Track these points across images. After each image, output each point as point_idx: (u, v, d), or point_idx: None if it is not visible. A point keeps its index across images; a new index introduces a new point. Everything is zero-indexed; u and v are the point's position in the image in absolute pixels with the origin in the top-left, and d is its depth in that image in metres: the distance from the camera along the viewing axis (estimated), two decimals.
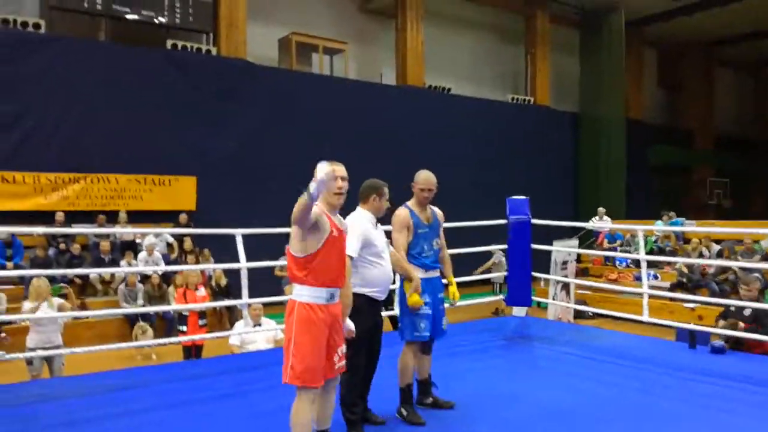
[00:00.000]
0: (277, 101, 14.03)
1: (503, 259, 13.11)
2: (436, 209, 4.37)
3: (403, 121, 16.00)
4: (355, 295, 3.56)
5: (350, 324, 3.41)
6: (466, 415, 4.14)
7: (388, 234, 4.08)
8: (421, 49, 16.66)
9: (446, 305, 4.38)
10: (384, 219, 3.98)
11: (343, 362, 3.30)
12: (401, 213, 4.16)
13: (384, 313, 4.37)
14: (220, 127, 13.39)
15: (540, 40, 19.42)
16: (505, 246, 7.18)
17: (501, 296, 8.09)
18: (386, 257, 3.82)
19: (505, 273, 7.43)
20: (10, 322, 7.80)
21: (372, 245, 3.70)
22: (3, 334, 7.70)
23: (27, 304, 6.41)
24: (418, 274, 4.06)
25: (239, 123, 13.61)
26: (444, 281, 4.36)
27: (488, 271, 13.31)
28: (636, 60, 21.67)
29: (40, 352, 5.47)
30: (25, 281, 9.74)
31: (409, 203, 4.24)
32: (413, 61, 16.55)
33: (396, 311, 6.57)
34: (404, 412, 4.02)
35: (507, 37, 19.61)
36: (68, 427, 3.82)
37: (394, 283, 4.65)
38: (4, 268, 10.52)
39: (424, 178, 4.21)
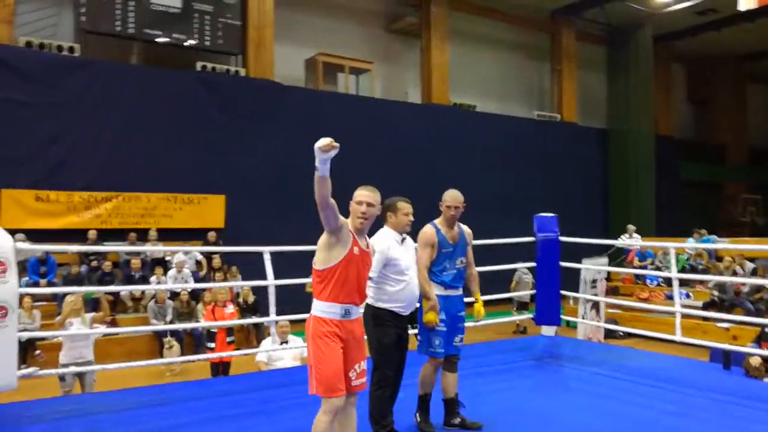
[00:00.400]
0: (304, 120, 14.16)
1: (524, 277, 13.03)
2: (465, 227, 4.41)
3: (429, 138, 16.04)
4: (380, 309, 3.75)
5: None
6: None
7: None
8: (446, 67, 16.73)
9: (466, 323, 4.37)
10: (413, 234, 4.01)
11: (363, 380, 3.33)
12: (427, 231, 4.23)
13: (411, 331, 4.38)
14: (248, 146, 13.58)
15: (566, 56, 19.36)
16: (528, 264, 7.09)
17: (528, 315, 7.99)
18: (411, 273, 3.87)
19: (530, 292, 7.35)
20: (44, 339, 7.93)
21: (394, 264, 3.78)
22: (38, 352, 7.88)
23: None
24: (437, 291, 4.13)
25: (267, 142, 13.78)
26: (470, 299, 4.42)
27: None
28: (664, 75, 21.46)
29: (73, 368, 5.54)
30: (57, 298, 9.93)
31: (437, 221, 4.29)
32: (438, 79, 16.61)
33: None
34: (417, 419, 4.17)
35: (533, 54, 19.59)
36: None
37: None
38: (37, 284, 10.75)
39: (452, 196, 4.28)
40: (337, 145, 3.05)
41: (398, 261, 3.79)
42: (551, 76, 19.73)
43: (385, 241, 3.80)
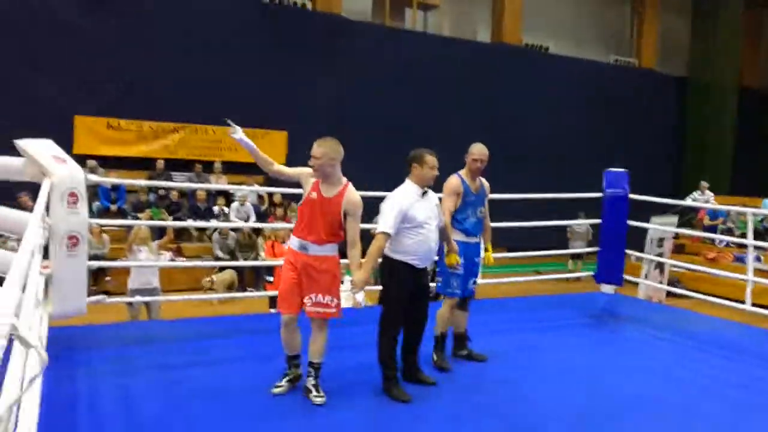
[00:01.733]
0: (370, 57, 13.94)
1: (577, 228, 12.75)
2: (484, 180, 4.61)
3: (498, 80, 15.56)
4: (394, 261, 3.87)
5: (359, 297, 3.69)
6: (534, 398, 4.04)
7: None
8: (519, 3, 16.01)
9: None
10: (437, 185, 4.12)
11: (318, 309, 3.63)
12: (453, 180, 4.43)
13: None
14: (312, 82, 13.50)
15: None
16: (589, 221, 6.87)
17: (588, 272, 7.81)
18: (430, 227, 3.92)
19: (590, 249, 7.18)
20: (114, 264, 8.32)
21: (411, 219, 3.83)
22: (108, 278, 8.24)
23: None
24: (459, 237, 4.40)
25: (331, 78, 13.66)
26: (483, 246, 4.71)
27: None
28: (754, 21, 19.95)
29: (138, 298, 5.79)
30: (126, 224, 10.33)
31: (461, 172, 4.49)
32: (510, 18, 15.94)
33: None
34: (435, 357, 4.38)
35: None
36: (160, 370, 4.03)
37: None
38: (108, 210, 11.20)
39: (479, 149, 4.47)
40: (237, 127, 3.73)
41: (415, 216, 3.84)
42: (631, 17, 18.63)
43: (405, 200, 3.84)
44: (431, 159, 3.95)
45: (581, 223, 11.62)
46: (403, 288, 3.88)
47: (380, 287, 4.14)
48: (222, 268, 10.05)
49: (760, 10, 20.26)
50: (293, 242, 3.67)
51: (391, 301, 3.93)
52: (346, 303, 6.75)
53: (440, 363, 4.36)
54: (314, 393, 3.64)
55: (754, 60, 20.51)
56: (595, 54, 17.91)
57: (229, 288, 9.99)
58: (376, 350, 3.92)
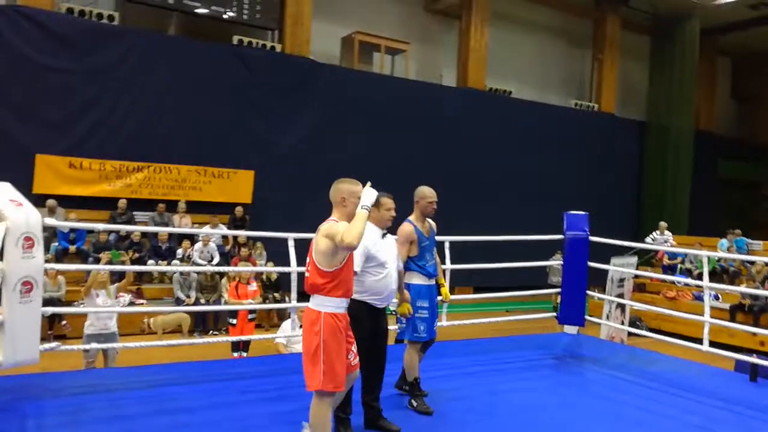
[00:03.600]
0: (338, 99, 14.10)
1: (555, 264, 12.94)
2: (431, 221, 4.69)
3: (462, 123, 15.85)
4: (355, 302, 3.75)
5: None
6: None
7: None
8: (484, 50, 16.44)
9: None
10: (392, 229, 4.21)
11: (357, 358, 3.55)
12: (406, 228, 4.50)
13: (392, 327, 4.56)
14: (280, 122, 13.57)
15: (609, 45, 18.88)
16: (557, 262, 6.98)
17: (551, 314, 7.89)
18: (390, 267, 3.98)
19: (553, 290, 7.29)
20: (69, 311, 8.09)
21: (374, 258, 3.88)
22: (64, 322, 7.98)
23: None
24: (423, 281, 4.52)
25: (300, 119, 13.75)
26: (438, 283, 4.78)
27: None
28: (709, 69, 20.83)
29: (95, 345, 5.63)
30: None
31: (411, 218, 4.57)
32: (475, 63, 16.35)
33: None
34: (414, 403, 4.40)
35: (574, 41, 19.15)
36: (116, 421, 3.90)
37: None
38: (66, 250, 10.96)
39: (431, 191, 4.60)
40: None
41: (377, 256, 3.89)
42: (592, 64, 19.28)
43: (367, 239, 3.85)
44: (387, 201, 4.02)
45: (549, 264, 11.80)
46: (364, 329, 3.84)
47: None
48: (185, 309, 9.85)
49: (715, 57, 21.18)
50: (341, 305, 3.36)
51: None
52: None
53: (421, 408, 4.35)
54: None
55: (710, 105, 21.33)
56: (557, 98, 18.42)
57: (175, 330, 9.64)
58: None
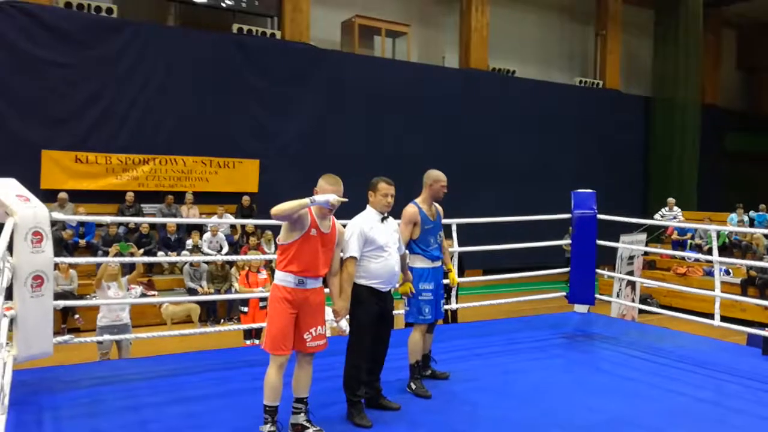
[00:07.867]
0: (340, 85, 14.05)
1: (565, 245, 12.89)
2: (438, 206, 4.69)
3: (466, 104, 15.76)
4: (359, 286, 3.89)
5: (343, 325, 3.94)
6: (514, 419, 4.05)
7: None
8: (485, 31, 16.30)
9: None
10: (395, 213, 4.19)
11: (320, 342, 3.65)
12: (410, 210, 4.50)
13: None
14: (283, 110, 13.54)
15: (611, 20, 18.69)
16: (566, 242, 6.97)
17: (561, 293, 7.88)
18: (390, 251, 4.01)
19: (562, 270, 7.27)
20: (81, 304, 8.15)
21: (372, 241, 3.92)
22: (77, 316, 8.00)
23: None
24: (426, 264, 4.50)
25: (303, 106, 13.72)
26: (445, 269, 4.79)
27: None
28: (714, 41, 20.60)
29: (107, 337, 5.67)
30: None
31: (418, 200, 4.56)
32: (477, 44, 16.22)
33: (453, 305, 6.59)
34: (413, 386, 4.41)
35: (576, 17, 18.95)
36: (131, 411, 3.94)
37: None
38: (76, 244, 11.02)
39: (442, 175, 4.57)
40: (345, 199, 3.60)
41: (376, 239, 3.92)
42: (595, 40, 19.08)
43: (365, 223, 3.94)
44: (384, 186, 4.03)
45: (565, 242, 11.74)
46: (369, 313, 3.93)
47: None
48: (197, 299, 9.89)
49: (719, 29, 20.91)
50: (287, 279, 3.57)
51: (358, 327, 3.96)
52: (328, 332, 6.75)
53: (420, 391, 4.37)
54: (312, 429, 3.61)
55: (715, 78, 21.11)
56: (561, 76, 18.28)
57: (184, 321, 9.69)
58: (341, 377, 3.96)
